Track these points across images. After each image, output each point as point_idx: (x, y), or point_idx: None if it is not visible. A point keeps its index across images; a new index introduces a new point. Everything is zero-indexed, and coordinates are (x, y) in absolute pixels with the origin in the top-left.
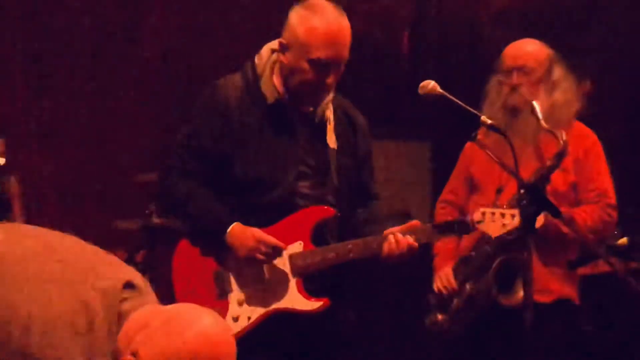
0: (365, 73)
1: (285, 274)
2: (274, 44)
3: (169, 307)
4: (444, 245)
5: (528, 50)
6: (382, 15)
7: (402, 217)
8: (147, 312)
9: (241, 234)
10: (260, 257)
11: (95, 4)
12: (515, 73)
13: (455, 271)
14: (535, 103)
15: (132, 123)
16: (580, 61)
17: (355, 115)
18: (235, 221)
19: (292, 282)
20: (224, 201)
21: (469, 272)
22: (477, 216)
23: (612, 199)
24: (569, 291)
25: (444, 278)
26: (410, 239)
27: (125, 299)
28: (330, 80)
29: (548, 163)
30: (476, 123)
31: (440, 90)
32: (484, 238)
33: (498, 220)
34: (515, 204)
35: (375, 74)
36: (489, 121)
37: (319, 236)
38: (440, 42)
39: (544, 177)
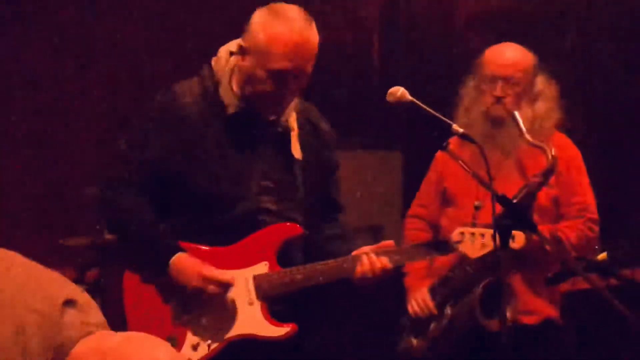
0: (333, 79)
1: (249, 298)
2: (233, 45)
3: (116, 342)
4: (415, 263)
5: (515, 59)
6: (351, 18)
7: (374, 231)
8: (90, 351)
9: (185, 269)
10: (208, 295)
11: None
12: (500, 83)
13: (433, 292)
14: (516, 114)
15: (80, 134)
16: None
17: (320, 123)
18: (179, 250)
19: (257, 307)
20: (177, 219)
21: (447, 293)
22: (455, 236)
23: (595, 213)
24: (554, 311)
25: (420, 300)
26: (384, 261)
27: (65, 321)
28: (288, 92)
29: (535, 180)
30: (449, 132)
31: (410, 97)
32: (463, 257)
33: (477, 240)
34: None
35: (343, 79)
36: (461, 130)
37: (284, 255)
38: (411, 47)
39: (530, 195)
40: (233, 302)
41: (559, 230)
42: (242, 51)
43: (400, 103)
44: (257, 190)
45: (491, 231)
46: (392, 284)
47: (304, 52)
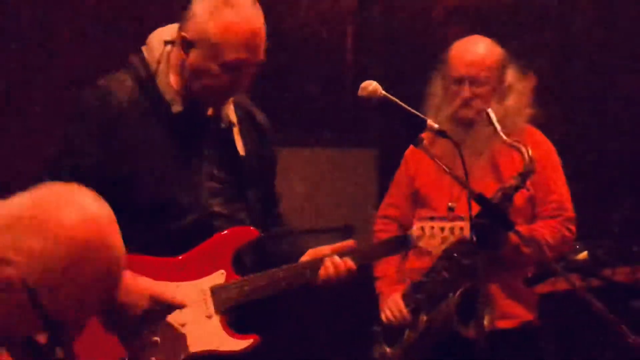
0: (304, 73)
1: (207, 311)
2: (166, 33)
3: (27, 199)
4: (387, 267)
5: (480, 56)
6: (323, 8)
7: (345, 231)
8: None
9: (131, 289)
10: (159, 317)
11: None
12: (467, 84)
13: (406, 298)
14: (490, 112)
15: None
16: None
17: (257, 114)
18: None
19: (216, 320)
20: (121, 231)
21: (422, 299)
22: (415, 231)
23: (571, 211)
24: (531, 314)
25: (393, 306)
26: (348, 262)
27: None
28: (243, 84)
29: (511, 182)
30: (424, 128)
31: (383, 92)
32: (439, 262)
33: (438, 234)
34: (462, 217)
35: (315, 74)
36: (436, 126)
37: (237, 262)
38: (387, 40)
39: (507, 197)
40: (189, 317)
41: (535, 230)
42: (185, 44)
43: (373, 98)
44: (207, 194)
45: (451, 224)
46: (363, 290)
47: (258, 39)
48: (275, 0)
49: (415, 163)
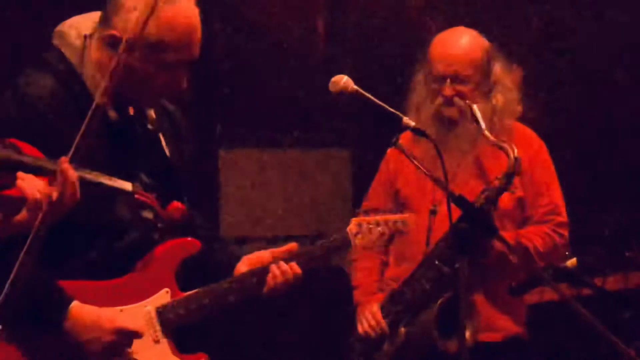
0: (272, 69)
1: (155, 335)
2: (83, 24)
3: None
4: (364, 277)
5: (463, 52)
6: (293, 3)
7: (315, 240)
8: None
9: (89, 324)
10: (122, 350)
11: None
12: (448, 82)
13: (384, 309)
14: (475, 108)
15: None
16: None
17: (172, 111)
18: (69, 300)
19: (164, 343)
20: (52, 254)
21: (401, 310)
22: (353, 228)
23: (564, 215)
24: (518, 326)
25: (370, 318)
26: (295, 267)
27: None
28: (184, 85)
29: (495, 184)
30: (400, 126)
31: (355, 87)
32: (419, 270)
33: (374, 229)
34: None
35: (284, 69)
36: (412, 124)
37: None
38: (361, 31)
39: (491, 200)
40: (137, 343)
41: (524, 237)
42: (114, 44)
43: (344, 93)
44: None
45: (385, 217)
46: (338, 300)
47: (198, 34)
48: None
49: (397, 163)
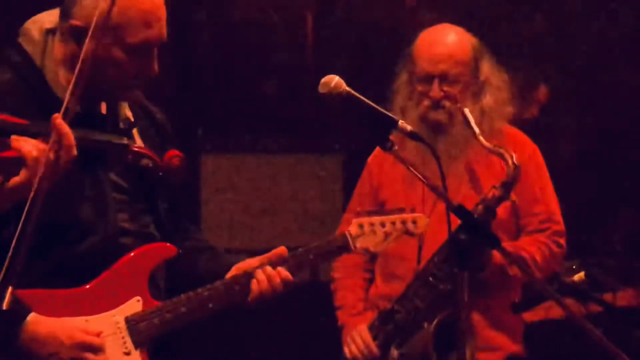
0: (258, 68)
1: (125, 347)
2: (46, 19)
3: None
4: (348, 294)
5: (450, 50)
6: None
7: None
8: None
9: (48, 337)
10: None
11: None
12: (436, 83)
13: (374, 330)
14: (467, 112)
15: None
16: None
17: (154, 112)
18: (27, 311)
19: (136, 356)
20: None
21: (392, 331)
22: (354, 229)
23: (560, 223)
24: (517, 344)
25: (358, 340)
26: (283, 272)
27: None
28: (151, 69)
29: (493, 193)
30: (393, 129)
31: (347, 88)
32: (412, 287)
33: (379, 230)
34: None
35: (271, 69)
36: (409, 127)
37: (152, 285)
38: (352, 29)
39: (489, 211)
40: (105, 356)
41: (520, 248)
42: (76, 33)
43: (335, 95)
44: (113, 207)
45: (393, 217)
46: (322, 319)
47: (161, 13)
48: None
49: (380, 171)
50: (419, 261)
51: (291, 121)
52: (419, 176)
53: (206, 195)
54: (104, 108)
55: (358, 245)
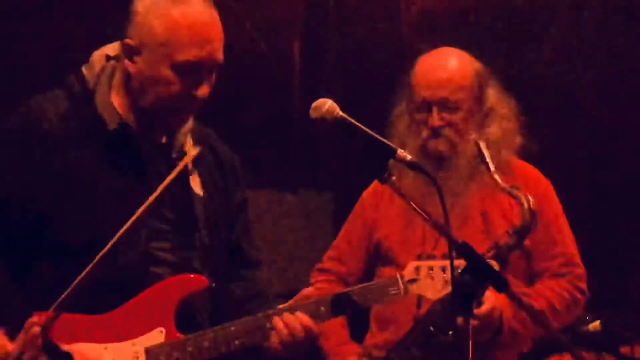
0: (242, 98)
1: None
2: (110, 48)
3: None
4: (334, 343)
5: (449, 73)
6: (263, 17)
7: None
8: None
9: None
10: None
11: None
12: (435, 110)
13: None
14: (482, 146)
15: None
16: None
17: (223, 151)
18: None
19: None
20: (39, 279)
21: None
22: (409, 273)
23: (581, 266)
24: None
25: None
26: (304, 318)
27: None
28: (202, 91)
29: (506, 240)
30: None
31: (341, 113)
32: (409, 336)
33: (439, 276)
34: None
35: (256, 99)
36: (409, 157)
37: (185, 318)
38: (343, 54)
39: (500, 259)
40: None
41: (536, 295)
42: (129, 51)
43: (328, 121)
44: (148, 234)
45: (456, 263)
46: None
47: (213, 34)
48: None
49: (376, 208)
50: (419, 306)
51: (277, 153)
52: (419, 210)
53: None
54: (164, 138)
55: (413, 290)
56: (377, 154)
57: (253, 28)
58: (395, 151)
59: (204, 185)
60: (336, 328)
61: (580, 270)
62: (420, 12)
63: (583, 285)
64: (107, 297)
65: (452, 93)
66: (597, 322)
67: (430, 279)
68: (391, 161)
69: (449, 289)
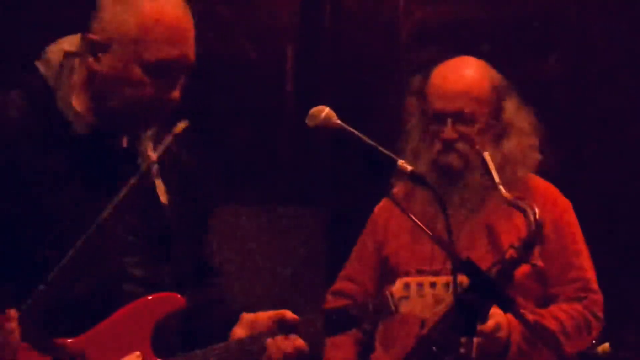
0: (232, 109)
1: None
2: (67, 41)
3: None
4: (339, 353)
5: (465, 84)
6: (254, 24)
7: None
8: None
9: None
10: None
11: None
12: (449, 122)
13: None
14: (486, 155)
15: None
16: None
17: (182, 152)
18: None
19: None
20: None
21: None
22: (398, 290)
23: (599, 292)
24: None
25: None
26: (297, 341)
27: None
28: (175, 95)
29: (511, 254)
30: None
31: (338, 122)
32: (411, 357)
33: (428, 293)
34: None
35: (247, 110)
36: (409, 168)
37: (157, 339)
38: (339, 66)
39: (504, 274)
40: None
41: (548, 316)
42: (94, 48)
43: (325, 129)
44: (120, 249)
45: (445, 279)
46: None
47: (188, 33)
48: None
49: (386, 224)
50: (423, 325)
51: (268, 168)
52: (420, 224)
53: None
54: (126, 141)
55: (403, 308)
56: (377, 165)
57: (245, 35)
58: (396, 161)
59: (168, 191)
60: (344, 343)
61: (597, 296)
62: (418, 21)
63: (599, 312)
64: (76, 318)
65: (467, 105)
66: (607, 345)
67: (420, 296)
68: (397, 173)
69: (439, 306)
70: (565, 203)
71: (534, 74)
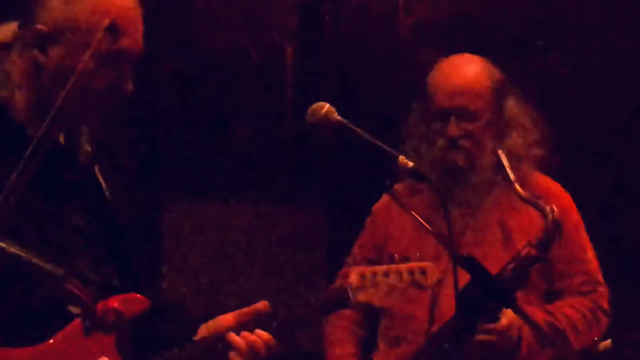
0: (231, 107)
1: None
2: (4, 31)
3: None
4: (339, 349)
5: (469, 82)
6: (253, 25)
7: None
8: None
9: None
10: None
11: None
12: (453, 120)
13: None
14: (502, 155)
15: None
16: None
17: (117, 149)
18: None
19: None
20: None
21: None
22: (354, 279)
23: (604, 285)
24: None
25: None
26: (264, 335)
27: None
28: (128, 86)
29: (528, 252)
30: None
31: (339, 118)
32: (421, 354)
33: (381, 282)
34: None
35: (246, 108)
36: (410, 164)
37: (123, 342)
38: (339, 64)
39: (521, 272)
40: None
41: (557, 313)
42: (41, 39)
43: (325, 125)
44: (72, 252)
45: (397, 267)
46: None
47: (138, 21)
48: (191, 18)
49: (388, 220)
50: (431, 322)
51: (267, 167)
52: (420, 220)
53: (168, 249)
54: (62, 137)
55: (360, 298)
56: (378, 161)
57: (245, 34)
58: (396, 157)
59: (108, 189)
60: (341, 355)
61: (604, 289)
62: (417, 20)
63: (606, 305)
64: (35, 325)
65: (470, 102)
66: (609, 341)
67: (374, 286)
68: (398, 169)
69: (394, 295)
70: (568, 198)
71: (534, 74)
